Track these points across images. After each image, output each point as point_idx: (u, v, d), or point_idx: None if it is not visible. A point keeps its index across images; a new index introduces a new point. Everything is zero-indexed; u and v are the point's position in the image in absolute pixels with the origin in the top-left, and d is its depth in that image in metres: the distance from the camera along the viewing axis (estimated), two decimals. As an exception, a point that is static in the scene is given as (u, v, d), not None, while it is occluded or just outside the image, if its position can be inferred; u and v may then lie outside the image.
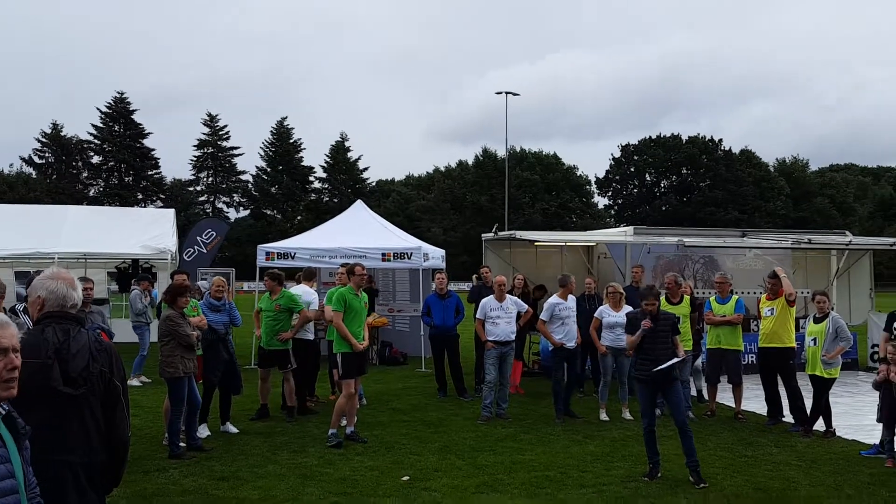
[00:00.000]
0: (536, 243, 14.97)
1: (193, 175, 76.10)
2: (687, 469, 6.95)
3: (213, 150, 75.81)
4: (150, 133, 71.73)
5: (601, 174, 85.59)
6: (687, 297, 10.15)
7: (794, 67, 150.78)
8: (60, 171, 69.33)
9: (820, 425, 8.91)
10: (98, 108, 69.88)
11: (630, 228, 15.50)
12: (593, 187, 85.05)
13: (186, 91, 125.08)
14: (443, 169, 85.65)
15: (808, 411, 9.03)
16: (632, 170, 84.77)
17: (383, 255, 14.43)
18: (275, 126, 76.86)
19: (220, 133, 75.87)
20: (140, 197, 70.65)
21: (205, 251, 17.91)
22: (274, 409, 9.85)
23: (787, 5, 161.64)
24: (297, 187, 75.59)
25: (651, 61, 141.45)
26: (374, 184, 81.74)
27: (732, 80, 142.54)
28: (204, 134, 75.63)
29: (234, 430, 8.89)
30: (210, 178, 76.86)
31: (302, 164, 76.74)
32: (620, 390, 10.03)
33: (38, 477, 3.06)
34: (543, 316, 9.94)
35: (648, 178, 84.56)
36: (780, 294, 9.49)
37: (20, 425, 2.67)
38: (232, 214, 76.32)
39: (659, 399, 7.75)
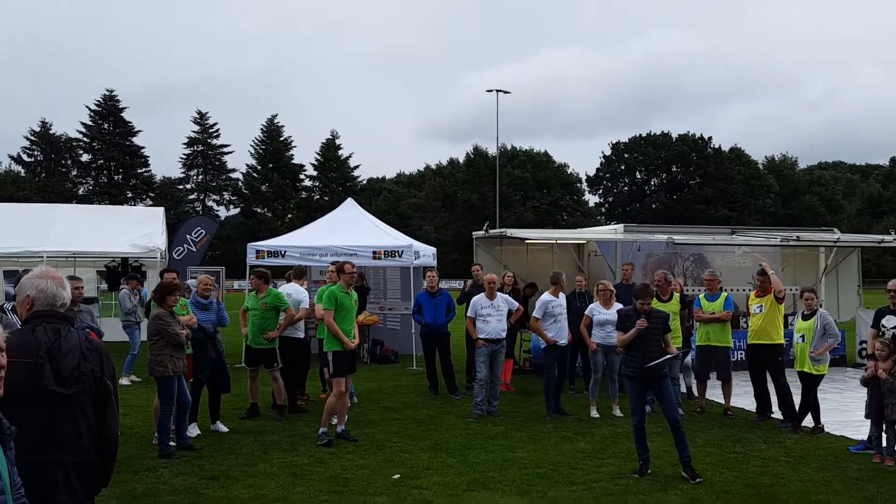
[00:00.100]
0: (527, 241, 14.99)
1: (183, 173, 75.90)
2: (680, 465, 6.99)
3: (203, 148, 75.54)
4: (139, 131, 71.52)
5: (592, 172, 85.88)
6: (677, 295, 10.20)
7: (782, 66, 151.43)
8: (49, 170, 68.96)
9: (808, 421, 8.97)
10: (87, 106, 69.61)
11: (620, 226, 15.54)
12: (584, 185, 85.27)
13: (176, 89, 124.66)
14: (434, 167, 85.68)
15: (797, 408, 9.09)
16: (622, 168, 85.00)
17: (374, 253, 14.42)
18: (265, 124, 76.71)
19: (210, 131, 75.61)
20: (130, 195, 70.34)
21: (194, 249, 17.82)
22: (264, 407, 9.83)
23: (777, 4, 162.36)
24: (288, 185, 75.39)
25: (641, 59, 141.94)
26: (364, 182, 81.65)
27: (722, 78, 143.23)
28: (194, 132, 75.42)
29: (224, 429, 8.87)
30: (200, 176, 76.60)
31: (292, 161, 76.56)
32: (611, 387, 10.07)
33: (29, 477, 3.05)
34: (536, 313, 9.95)
35: (639, 176, 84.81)
36: (768, 291, 9.54)
37: (5, 426, 2.66)
38: (222, 212, 76.16)
39: (649, 396, 7.79)
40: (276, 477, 6.94)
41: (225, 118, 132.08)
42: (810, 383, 8.85)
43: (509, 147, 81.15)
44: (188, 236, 17.90)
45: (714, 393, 10.48)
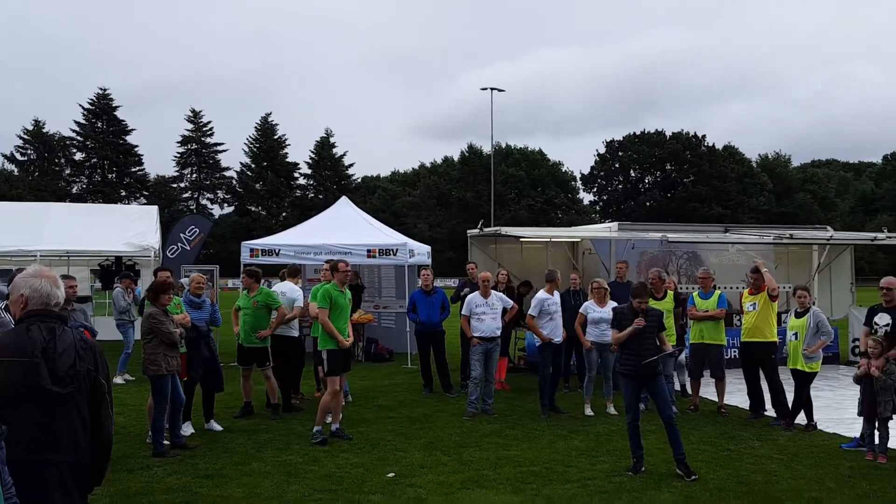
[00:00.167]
0: (522, 239, 15.01)
1: (177, 171, 75.75)
2: (674, 462, 7.00)
3: (197, 147, 75.38)
4: (133, 129, 71.29)
5: (586, 170, 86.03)
6: (671, 293, 10.23)
7: (776, 64, 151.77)
8: (43, 168, 68.73)
9: (801, 419, 9.01)
10: (80, 105, 69.33)
11: (614, 224, 15.57)
12: (578, 183, 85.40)
13: (170, 87, 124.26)
14: (428, 165, 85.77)
15: (790, 405, 9.12)
16: (616, 166, 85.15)
17: (369, 251, 14.41)
18: (259, 122, 76.61)
19: (204, 129, 75.45)
20: (123, 194, 70.14)
21: (188, 248, 17.81)
22: (258, 406, 9.83)
23: (771, 3, 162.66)
24: (282, 183, 75.28)
25: (635, 58, 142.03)
26: (359, 180, 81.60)
27: (715, 76, 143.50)
28: (187, 130, 75.28)
29: (218, 427, 8.86)
30: (194, 175, 76.45)
31: (287, 160, 76.45)
32: (605, 385, 10.09)
33: (25, 477, 3.05)
34: (532, 311, 9.96)
35: (633, 174, 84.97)
36: (762, 289, 9.57)
37: None
38: (216, 211, 76.07)
39: (643, 394, 7.81)
40: (270, 475, 6.94)
41: (219, 116, 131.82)
42: (803, 381, 8.88)
43: (504, 145, 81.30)
44: (182, 235, 17.89)
45: (708, 391, 10.52)
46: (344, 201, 17.48)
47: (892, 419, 7.59)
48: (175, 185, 75.45)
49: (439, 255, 43.43)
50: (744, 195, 77.72)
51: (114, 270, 17.34)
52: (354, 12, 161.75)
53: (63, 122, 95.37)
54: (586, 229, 19.47)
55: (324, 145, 76.83)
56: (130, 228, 17.12)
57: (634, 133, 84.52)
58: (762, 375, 9.61)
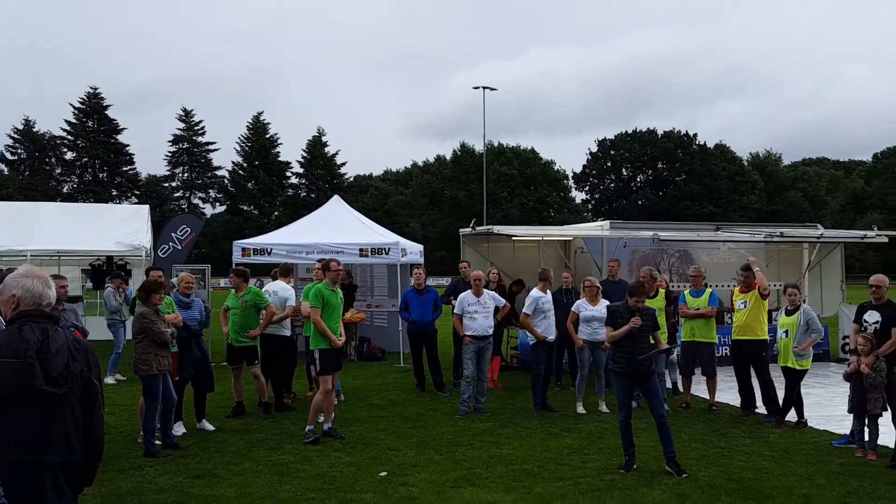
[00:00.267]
0: (514, 238, 15.03)
1: (169, 171, 75.56)
2: (665, 460, 7.03)
3: (189, 146, 75.18)
4: (124, 129, 71.17)
5: (578, 169, 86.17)
6: (662, 291, 10.26)
7: (767, 63, 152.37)
8: (33, 168, 68.40)
9: (792, 416, 9.05)
10: (71, 104, 69.14)
11: (606, 223, 15.60)
12: (570, 182, 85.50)
13: (161, 86, 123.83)
14: (421, 164, 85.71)
15: (781, 402, 9.16)
16: (608, 164, 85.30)
17: (361, 250, 14.40)
18: (251, 121, 76.48)
19: (196, 128, 75.26)
20: (115, 193, 69.88)
21: (180, 247, 17.72)
22: (250, 406, 9.80)
23: (761, 3, 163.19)
24: (274, 182, 75.14)
25: (627, 57, 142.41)
26: (351, 179, 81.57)
27: (707, 75, 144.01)
28: (179, 129, 75.09)
29: (209, 427, 8.84)
30: (185, 174, 76.24)
31: (279, 159, 76.31)
32: (597, 383, 10.11)
33: (18, 478, 3.04)
34: (527, 309, 9.95)
35: (625, 173, 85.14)
36: (753, 287, 9.61)
37: None
38: (208, 210, 75.90)
39: (635, 392, 7.83)
40: (262, 475, 6.93)
41: (210, 116, 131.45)
42: (794, 378, 8.92)
43: (496, 144, 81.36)
44: (173, 234, 17.80)
45: (699, 388, 10.55)
46: (336, 200, 17.45)
47: (881, 416, 7.62)
48: (166, 185, 75.24)
49: (432, 254, 43.45)
50: (735, 193, 78.00)
51: (105, 270, 17.26)
52: (346, 11, 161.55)
53: (54, 121, 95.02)
54: (578, 228, 19.49)
55: (316, 144, 76.71)
56: (121, 228, 17.05)
57: (626, 132, 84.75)
58: (753, 373, 9.65)
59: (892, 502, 6.21)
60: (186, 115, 74.82)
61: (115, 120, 70.39)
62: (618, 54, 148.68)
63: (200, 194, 76.66)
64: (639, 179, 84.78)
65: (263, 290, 10.37)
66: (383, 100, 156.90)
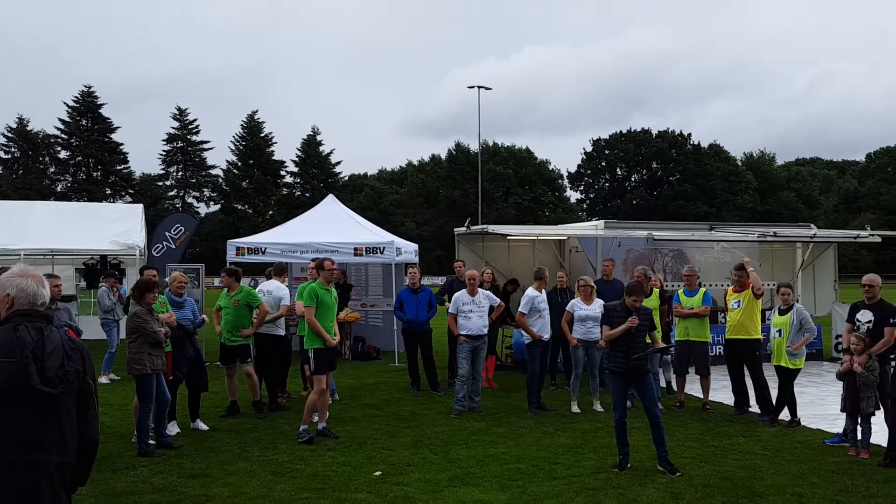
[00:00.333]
0: (509, 237, 15.03)
1: (163, 170, 75.31)
2: (658, 459, 7.05)
3: (183, 145, 74.95)
4: (118, 127, 70.91)
5: (573, 168, 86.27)
6: (656, 291, 10.29)
7: (761, 63, 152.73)
8: (27, 167, 68.13)
9: (785, 415, 9.08)
10: (65, 103, 68.87)
11: (601, 222, 15.62)
12: (565, 181, 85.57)
13: (155, 85, 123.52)
14: (416, 163, 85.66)
15: (774, 401, 9.19)
16: (603, 164, 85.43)
17: (355, 249, 14.38)
18: (245, 120, 76.19)
19: (190, 127, 75.02)
20: (108, 192, 69.65)
21: (174, 247, 17.69)
22: (244, 405, 9.79)
23: (755, 2, 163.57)
24: (269, 182, 74.96)
25: (622, 56, 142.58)
26: (346, 178, 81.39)
27: (701, 75, 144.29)
28: (173, 128, 74.85)
29: (204, 427, 8.83)
30: (180, 173, 76.02)
31: (273, 158, 76.11)
32: (592, 382, 10.13)
33: (13, 477, 3.03)
34: (523, 308, 9.95)
35: (619, 173, 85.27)
36: (746, 286, 9.64)
37: None
38: (202, 209, 75.67)
39: (629, 391, 7.85)
40: (256, 475, 6.93)
41: (205, 114, 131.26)
42: (787, 377, 8.95)
43: (491, 143, 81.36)
44: (167, 233, 17.78)
45: (693, 387, 10.59)
46: (331, 199, 17.43)
47: (874, 415, 7.66)
48: (161, 184, 75.02)
49: (427, 254, 43.46)
50: (729, 193, 78.18)
51: (98, 269, 17.21)
52: (341, 11, 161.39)
53: (47, 119, 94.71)
54: (573, 227, 19.52)
55: (310, 143, 76.55)
56: (115, 227, 16.97)
57: (621, 131, 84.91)
58: (747, 372, 9.68)
59: (884, 500, 6.24)
60: (181, 114, 74.63)
61: (108, 119, 70.26)
62: (612, 54, 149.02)
63: (195, 193, 76.50)
64: (633, 179, 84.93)
65: (258, 289, 10.37)
66: (378, 99, 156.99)
